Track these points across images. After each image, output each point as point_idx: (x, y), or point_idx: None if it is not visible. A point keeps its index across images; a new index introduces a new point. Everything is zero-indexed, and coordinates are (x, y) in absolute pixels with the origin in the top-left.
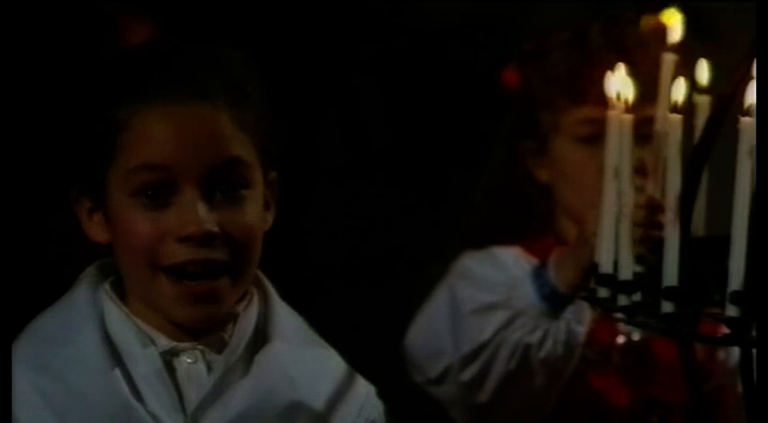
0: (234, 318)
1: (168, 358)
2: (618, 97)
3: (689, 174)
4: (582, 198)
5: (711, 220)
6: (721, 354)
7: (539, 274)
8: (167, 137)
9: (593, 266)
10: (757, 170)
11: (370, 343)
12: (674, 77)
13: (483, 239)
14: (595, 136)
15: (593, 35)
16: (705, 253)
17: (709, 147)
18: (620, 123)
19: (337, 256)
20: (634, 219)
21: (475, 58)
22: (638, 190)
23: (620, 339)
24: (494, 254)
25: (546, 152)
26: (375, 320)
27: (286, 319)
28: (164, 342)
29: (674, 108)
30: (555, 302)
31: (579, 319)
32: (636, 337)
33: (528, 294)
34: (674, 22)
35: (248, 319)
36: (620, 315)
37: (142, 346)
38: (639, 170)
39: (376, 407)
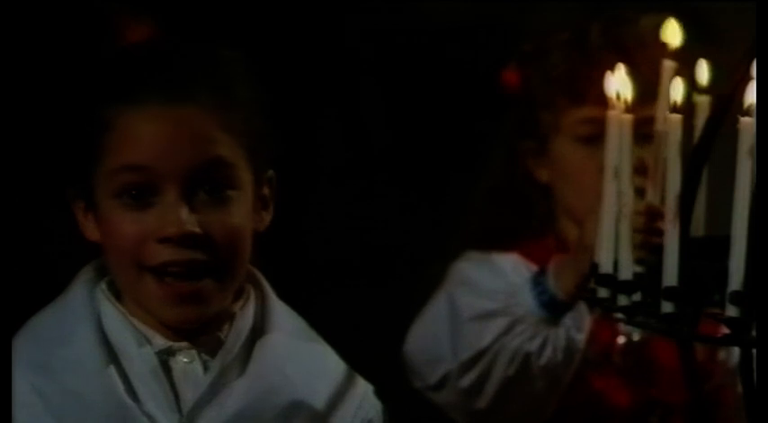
0: (230, 317)
1: (164, 358)
2: (618, 97)
3: (689, 174)
4: (582, 198)
5: (711, 220)
6: (721, 354)
7: (538, 282)
8: (150, 138)
9: (594, 268)
10: (757, 170)
11: (370, 343)
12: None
13: (483, 239)
14: (595, 136)
15: (593, 35)
16: (705, 253)
17: (709, 147)
18: (619, 123)
19: (337, 256)
20: (634, 225)
21: (475, 58)
22: (638, 192)
23: (621, 340)
24: (492, 260)
25: (546, 152)
26: (375, 320)
27: (283, 318)
28: (160, 341)
29: (674, 108)
30: (554, 310)
31: (579, 326)
32: (636, 337)
33: (527, 301)
34: (673, 30)
35: (245, 318)
36: (620, 315)
37: (138, 345)
38: (639, 170)
39: (374, 406)
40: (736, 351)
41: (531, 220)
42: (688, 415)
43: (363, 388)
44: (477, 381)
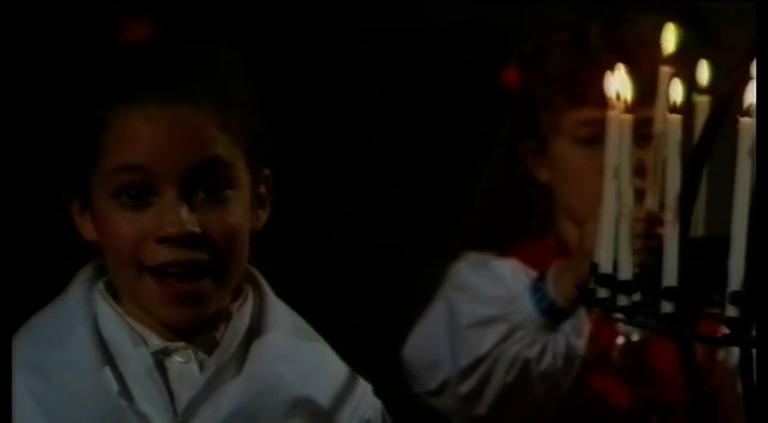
0: (227, 317)
1: (160, 358)
2: (617, 97)
3: (689, 174)
4: (582, 199)
5: (711, 220)
6: (721, 354)
7: (537, 288)
8: (147, 138)
9: (594, 268)
10: (757, 170)
11: (370, 343)
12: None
13: (483, 239)
14: (595, 137)
15: (593, 35)
16: (705, 253)
17: (710, 147)
18: (619, 123)
19: (337, 256)
20: (633, 231)
21: (475, 58)
22: (637, 193)
23: (620, 340)
24: (491, 266)
25: (546, 152)
26: (375, 321)
27: (282, 317)
28: (156, 342)
29: (674, 108)
30: (554, 316)
31: (578, 332)
32: (635, 337)
33: (526, 308)
34: (670, 35)
35: (242, 318)
36: (619, 315)
37: (134, 345)
38: (639, 171)
39: (372, 405)
40: (736, 351)
41: (530, 220)
42: (688, 415)
43: (362, 387)
44: (476, 387)
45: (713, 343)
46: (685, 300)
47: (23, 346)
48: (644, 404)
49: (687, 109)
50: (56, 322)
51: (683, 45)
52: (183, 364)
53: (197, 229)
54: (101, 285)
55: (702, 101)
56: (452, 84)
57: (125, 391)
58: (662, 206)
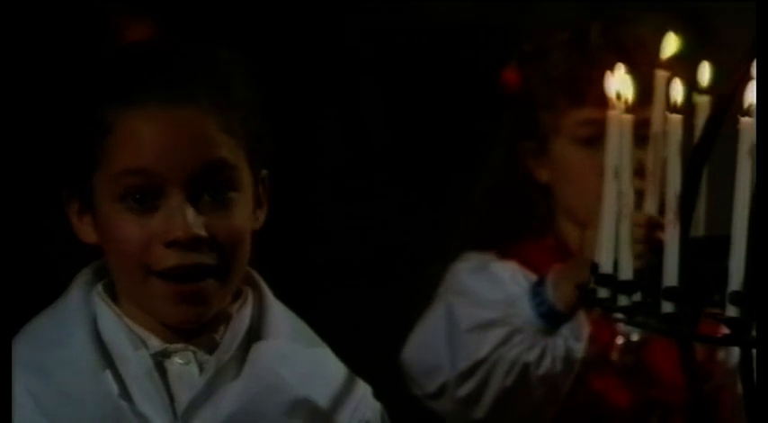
0: (227, 318)
1: (160, 359)
2: (618, 97)
3: (689, 174)
4: (582, 199)
5: (711, 220)
6: (721, 354)
7: (537, 292)
8: (152, 140)
9: (594, 268)
10: (757, 170)
11: (370, 343)
12: (672, 81)
13: (483, 239)
14: (595, 137)
15: (594, 35)
16: (705, 253)
17: (710, 147)
18: (620, 123)
19: (337, 256)
20: (634, 236)
21: (475, 58)
22: (637, 194)
23: (619, 340)
24: (491, 270)
25: (546, 152)
26: (375, 321)
27: (281, 319)
28: (155, 343)
29: (674, 108)
30: (553, 320)
31: (577, 336)
32: (635, 337)
33: (526, 312)
34: (667, 40)
35: (241, 319)
36: (620, 315)
37: (133, 347)
38: (639, 172)
39: (371, 407)
40: (736, 351)
41: (531, 220)
42: (688, 415)
43: (361, 389)
44: (475, 390)
45: (713, 343)
46: (685, 300)
47: (23, 348)
48: (644, 404)
49: (687, 109)
50: (55, 324)
51: (682, 47)
52: (183, 365)
53: (203, 233)
54: (99, 288)
55: (703, 101)
56: (452, 84)
57: (125, 393)
58: (661, 208)
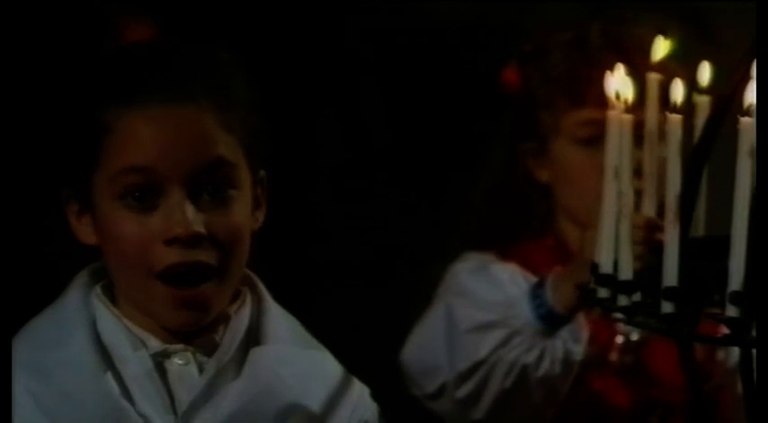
0: (226, 319)
1: (159, 360)
2: (617, 97)
3: (689, 174)
4: (582, 199)
5: (711, 220)
6: (721, 354)
7: (536, 294)
8: (152, 139)
9: (594, 268)
10: (757, 170)
11: (370, 343)
12: (670, 82)
13: (483, 239)
14: (595, 137)
15: (594, 35)
16: (705, 253)
17: (710, 147)
18: (619, 123)
19: (337, 256)
20: (633, 238)
21: (475, 58)
22: (637, 194)
23: (619, 340)
24: (490, 271)
25: (546, 153)
26: (375, 321)
27: (279, 320)
28: (155, 344)
29: (674, 108)
30: (552, 322)
31: (576, 338)
32: (635, 337)
33: (525, 314)
34: (657, 43)
35: (240, 320)
36: (619, 315)
37: (133, 348)
38: (638, 172)
39: (369, 408)
40: (736, 351)
41: (530, 220)
42: (688, 415)
43: (359, 390)
44: (473, 392)
45: (713, 343)
46: (685, 300)
47: (23, 348)
48: (644, 404)
49: (687, 109)
50: (54, 325)
51: (674, 49)
52: (183, 366)
53: (203, 230)
54: (98, 289)
55: (703, 101)
56: (452, 84)
57: (125, 394)
58: (660, 208)
